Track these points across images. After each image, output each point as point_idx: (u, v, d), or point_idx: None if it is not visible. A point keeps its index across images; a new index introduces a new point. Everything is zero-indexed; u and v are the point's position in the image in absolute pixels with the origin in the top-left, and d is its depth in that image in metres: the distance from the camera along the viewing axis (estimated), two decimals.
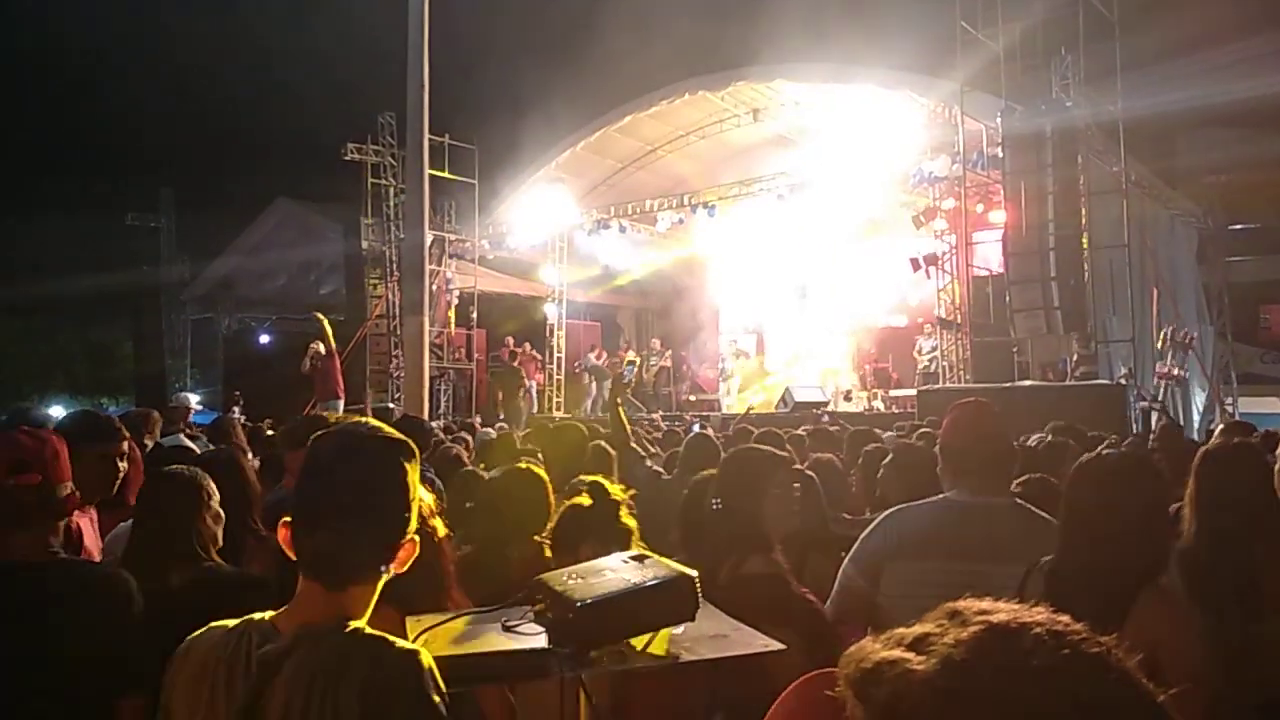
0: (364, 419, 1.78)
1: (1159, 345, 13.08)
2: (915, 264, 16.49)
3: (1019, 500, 2.90)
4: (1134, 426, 12.07)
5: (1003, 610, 0.74)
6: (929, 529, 2.73)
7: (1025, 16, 14.01)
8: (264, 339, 27.37)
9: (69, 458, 2.44)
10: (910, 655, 0.72)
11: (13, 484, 2.23)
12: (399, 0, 12.94)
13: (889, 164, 16.20)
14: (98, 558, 3.21)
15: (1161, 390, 11.60)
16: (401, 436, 1.69)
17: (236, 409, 16.76)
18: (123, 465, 3.50)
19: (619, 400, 5.43)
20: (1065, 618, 0.73)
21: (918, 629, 0.75)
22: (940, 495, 2.88)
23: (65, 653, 2.13)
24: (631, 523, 2.94)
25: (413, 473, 1.64)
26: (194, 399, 12.52)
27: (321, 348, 13.43)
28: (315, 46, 27.75)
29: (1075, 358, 12.98)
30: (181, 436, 5.46)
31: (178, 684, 1.57)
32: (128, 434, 3.67)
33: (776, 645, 1.89)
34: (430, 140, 13.88)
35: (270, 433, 9.07)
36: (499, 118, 21.05)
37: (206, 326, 28.43)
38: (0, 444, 2.45)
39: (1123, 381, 12.90)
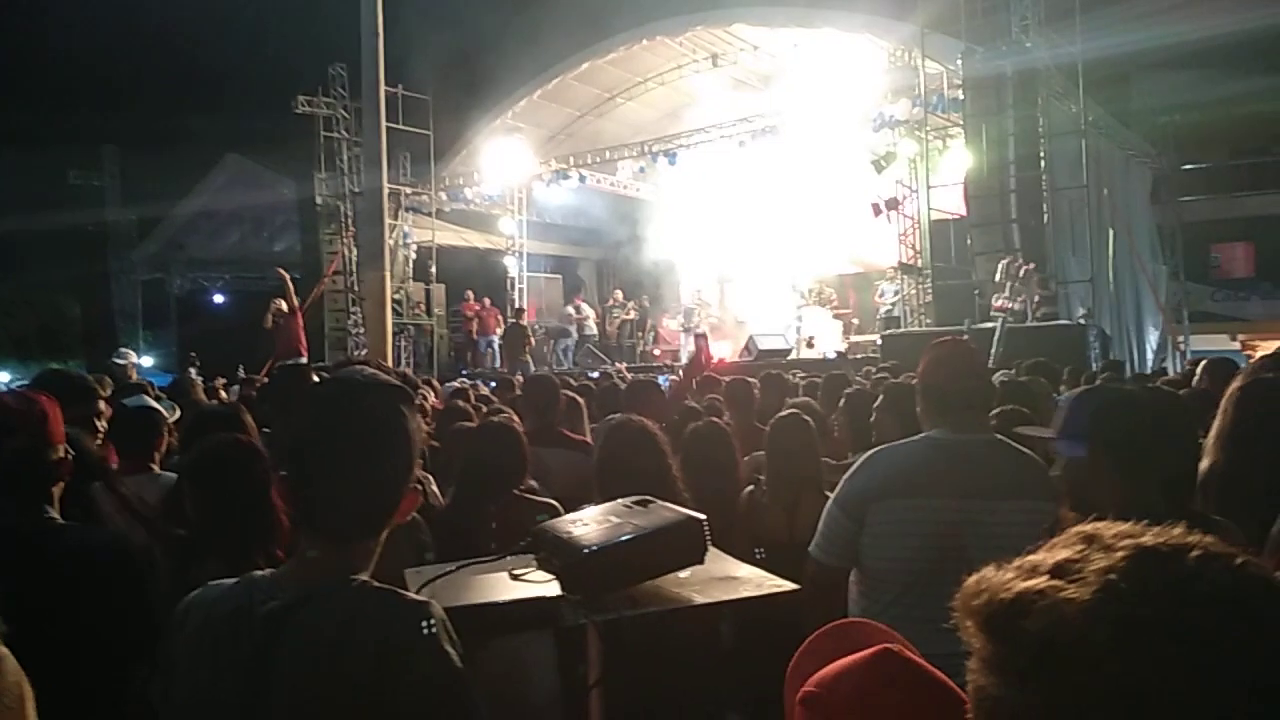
0: (360, 366, 1.71)
1: (996, 278, 13.28)
2: (876, 209, 16.49)
3: (999, 436, 2.92)
4: (1093, 365, 12.28)
5: (1144, 532, 0.70)
6: (915, 467, 2.73)
7: None
8: (218, 298, 26.87)
9: None
10: (1059, 583, 0.67)
11: None
12: None
13: (850, 108, 16.12)
14: None
15: (1000, 325, 11.75)
16: (400, 383, 1.63)
17: (193, 370, 16.47)
18: (101, 426, 3.39)
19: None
20: (1211, 539, 0.69)
21: (1049, 556, 0.71)
22: (922, 434, 2.89)
23: (64, 619, 2.06)
24: None
25: (413, 420, 1.59)
26: (134, 355, 12.22)
27: (284, 305, 13.20)
28: None
29: (1036, 299, 13.12)
30: (145, 397, 5.29)
31: (179, 644, 1.51)
32: (103, 394, 3.55)
33: (789, 586, 1.87)
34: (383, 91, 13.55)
35: (222, 393, 8.95)
36: (452, 67, 20.57)
37: (158, 287, 27.84)
38: None
39: (1082, 321, 13.08)
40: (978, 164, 13.94)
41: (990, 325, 12.12)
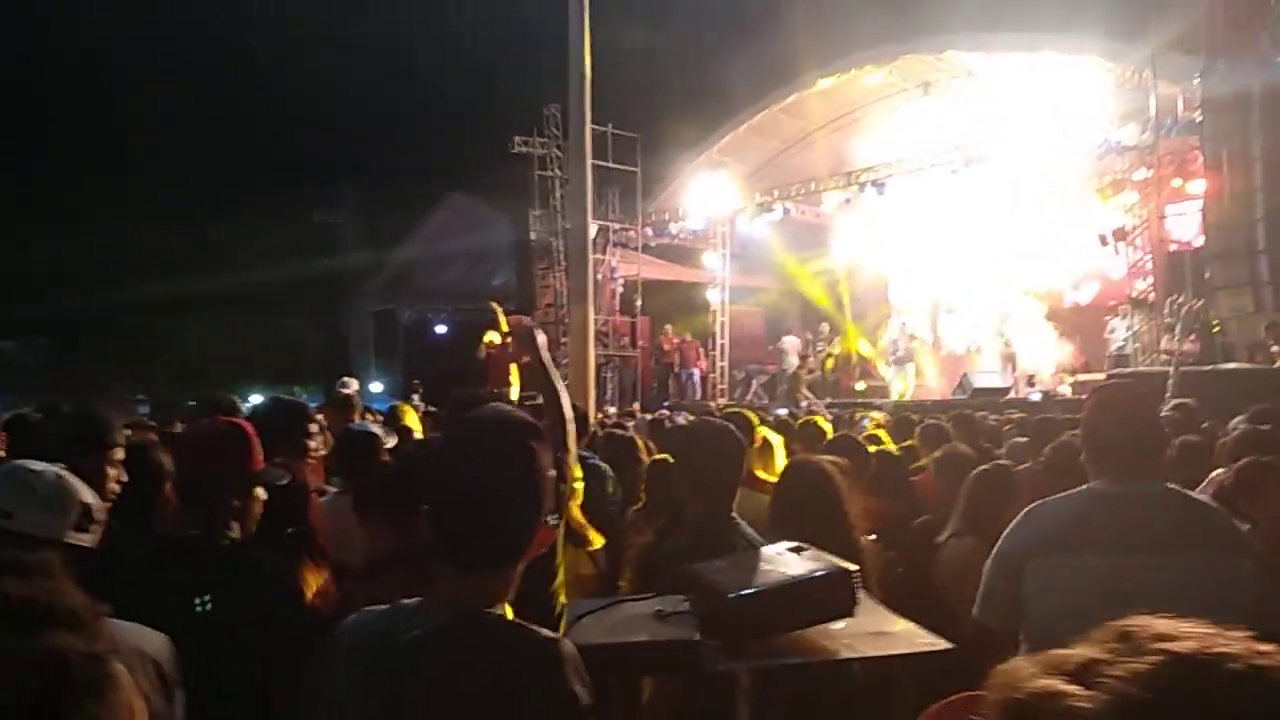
0: (498, 404, 1.77)
1: (1166, 318, 11.79)
2: (1103, 239, 15.45)
3: (1172, 486, 2.66)
4: None
5: (1187, 635, 0.61)
6: (1071, 522, 2.54)
7: None
8: (440, 328, 28.55)
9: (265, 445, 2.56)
10: (1074, 689, 0.60)
11: (190, 467, 2.36)
12: None
13: (1072, 134, 15.21)
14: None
15: (1173, 370, 10.36)
16: (532, 420, 1.67)
17: (416, 396, 17.57)
18: (313, 451, 3.66)
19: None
20: (1266, 645, 0.60)
21: (1082, 652, 0.64)
22: (1084, 486, 2.68)
23: (229, 627, 2.21)
24: None
25: (545, 456, 1.63)
26: (354, 384, 13.25)
27: (495, 337, 13.83)
28: (483, 41, 28.65)
29: (1274, 348, 11.83)
30: (369, 422, 5.76)
31: (330, 667, 1.58)
32: (318, 423, 3.85)
33: (942, 644, 1.77)
34: (593, 130, 14.06)
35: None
36: (661, 104, 21.12)
37: (387, 317, 29.91)
38: (193, 430, 2.62)
39: None
40: (1218, 191, 12.79)
41: (1161, 369, 11.05)
